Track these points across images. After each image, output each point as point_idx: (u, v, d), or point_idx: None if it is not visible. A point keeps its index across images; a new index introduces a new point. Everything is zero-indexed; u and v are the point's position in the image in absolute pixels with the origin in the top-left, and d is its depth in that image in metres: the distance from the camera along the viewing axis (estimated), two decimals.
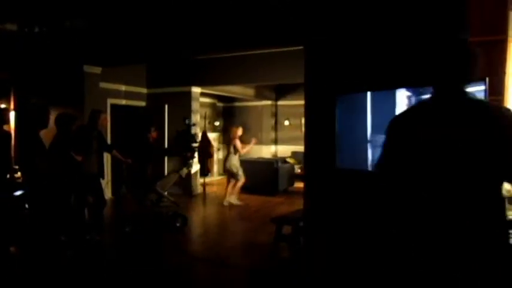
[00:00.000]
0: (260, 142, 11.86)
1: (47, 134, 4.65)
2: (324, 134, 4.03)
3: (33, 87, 6.45)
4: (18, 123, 6.18)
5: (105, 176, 7.08)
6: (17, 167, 4.89)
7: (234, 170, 7.32)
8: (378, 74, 3.65)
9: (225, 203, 7.37)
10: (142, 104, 8.68)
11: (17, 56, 6.20)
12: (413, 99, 3.46)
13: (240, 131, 7.55)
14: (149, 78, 8.76)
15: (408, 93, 3.47)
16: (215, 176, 11.02)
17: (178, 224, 5.66)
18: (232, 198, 7.45)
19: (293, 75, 6.93)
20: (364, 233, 3.75)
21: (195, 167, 8.21)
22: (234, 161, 7.33)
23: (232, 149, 7.39)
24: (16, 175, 4.88)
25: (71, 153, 4.58)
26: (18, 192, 4.64)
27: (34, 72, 6.40)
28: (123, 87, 8.13)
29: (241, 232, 5.58)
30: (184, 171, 6.15)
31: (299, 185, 8.31)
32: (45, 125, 4.50)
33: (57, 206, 4.63)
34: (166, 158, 7.95)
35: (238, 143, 7.33)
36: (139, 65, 8.29)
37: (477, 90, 2.84)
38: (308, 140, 4.27)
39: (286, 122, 11.53)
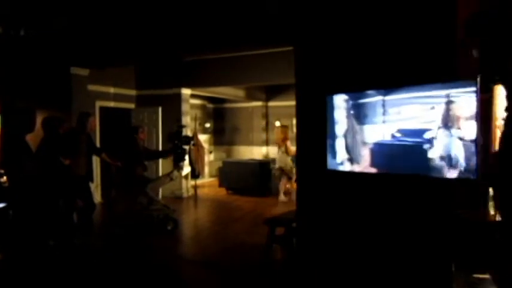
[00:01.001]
0: (251, 143, 11.86)
1: (33, 138, 4.57)
2: (315, 135, 4.03)
3: (19, 90, 6.34)
4: (4, 127, 6.06)
5: (94, 180, 7.00)
6: (2, 171, 4.79)
7: (289, 168, 7.70)
8: (369, 74, 3.67)
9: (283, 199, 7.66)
10: (132, 106, 8.61)
11: (2, 58, 6.09)
12: (350, 103, 3.54)
13: (289, 132, 7.95)
14: (138, 80, 8.69)
15: (345, 97, 3.56)
16: (206, 178, 10.97)
17: (169, 227, 5.61)
18: (282, 196, 7.73)
19: (284, 76, 6.94)
20: (357, 233, 3.76)
21: (186, 169, 8.17)
22: (288, 160, 7.72)
23: (284, 149, 7.77)
24: (2, 179, 4.78)
25: (59, 157, 4.51)
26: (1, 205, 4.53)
27: (20, 75, 6.29)
28: (111, 89, 8.05)
29: (234, 234, 5.56)
30: (176, 173, 6.10)
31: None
32: (31, 128, 4.43)
33: (45, 210, 4.54)
34: (160, 161, 7.88)
35: (289, 144, 7.75)
36: (128, 67, 8.22)
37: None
38: (299, 141, 4.27)
39: (277, 123, 11.52)
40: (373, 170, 3.48)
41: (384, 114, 3.31)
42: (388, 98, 3.31)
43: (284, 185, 7.87)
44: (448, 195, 3.18)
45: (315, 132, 4.04)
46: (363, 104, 3.53)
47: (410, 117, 3.20)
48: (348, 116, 3.61)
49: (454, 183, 3.07)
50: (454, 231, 2.86)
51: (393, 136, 3.29)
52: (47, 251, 4.46)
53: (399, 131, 3.26)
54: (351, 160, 3.63)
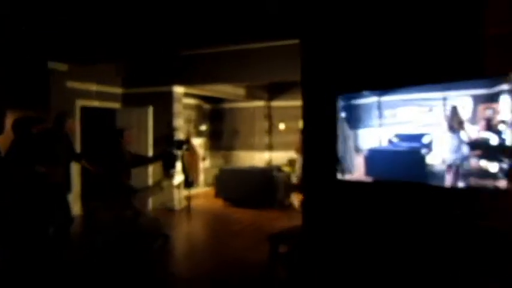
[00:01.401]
0: (252, 148, 11.83)
1: (2, 141, 4.53)
2: (324, 139, 3.99)
3: None
4: None
5: (73, 189, 6.97)
6: None
7: None
8: (386, 70, 3.63)
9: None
10: (117, 105, 8.59)
11: None
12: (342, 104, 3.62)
13: None
14: (125, 77, 8.68)
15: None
16: (201, 188, 10.92)
17: (159, 244, 5.56)
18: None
19: (288, 72, 6.90)
20: (371, 254, 3.70)
21: (178, 177, 8.14)
22: None
23: None
24: None
25: (34, 164, 4.47)
26: None
27: None
28: (94, 87, 8.04)
29: (232, 251, 5.50)
30: (166, 182, 6.07)
31: (296, 197, 8.27)
32: (0, 130, 4.38)
33: (17, 222, 4.50)
34: (150, 168, 7.86)
35: None
36: (112, 62, 8.22)
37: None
38: (306, 145, 4.23)
39: (282, 125, 11.51)
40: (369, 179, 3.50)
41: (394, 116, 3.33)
42: (409, 96, 3.34)
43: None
44: (471, 205, 3.13)
45: (323, 136, 3.99)
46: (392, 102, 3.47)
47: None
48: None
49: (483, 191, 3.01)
50: (483, 244, 2.82)
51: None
52: (21, 265, 4.41)
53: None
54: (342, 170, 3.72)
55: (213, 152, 12.28)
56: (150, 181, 7.80)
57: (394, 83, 3.47)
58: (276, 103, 11.75)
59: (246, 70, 7.79)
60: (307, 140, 4.20)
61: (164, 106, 8.31)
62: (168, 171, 6.07)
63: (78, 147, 7.29)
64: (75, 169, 7.16)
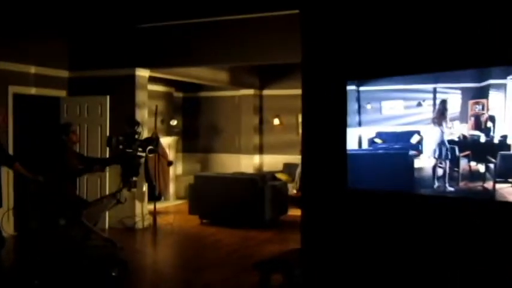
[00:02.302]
0: (237, 150, 11.84)
1: None
2: (330, 138, 4.02)
3: None
4: None
5: (4, 203, 6.90)
6: None
7: None
8: (404, 52, 3.67)
9: None
10: (62, 93, 8.54)
11: None
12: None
13: None
14: (72, 56, 8.63)
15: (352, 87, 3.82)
16: (171, 201, 10.90)
17: (114, 274, 5.54)
18: None
19: (286, 52, 6.94)
20: (388, 283, 3.75)
21: (142, 188, 8.10)
22: None
23: None
24: None
25: None
26: None
27: None
28: (32, 69, 7.98)
29: (210, 285, 5.51)
30: (124, 193, 6.05)
31: (294, 212, 8.30)
32: None
33: None
34: (107, 174, 7.84)
35: None
36: (56, 37, 8.17)
37: None
38: (307, 146, 4.26)
39: (276, 121, 11.54)
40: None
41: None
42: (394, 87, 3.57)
43: None
44: None
45: (329, 134, 4.02)
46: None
47: None
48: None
49: None
50: None
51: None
52: None
53: None
54: None
55: (187, 155, 12.26)
56: (106, 192, 7.77)
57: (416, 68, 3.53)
58: (268, 91, 11.78)
59: (229, 49, 7.79)
60: (307, 138, 4.23)
61: (124, 94, 8.28)
62: (128, 180, 6.04)
63: (10, 148, 7.23)
64: (6, 176, 7.11)
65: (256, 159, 11.72)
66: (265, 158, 11.76)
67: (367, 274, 3.87)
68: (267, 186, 8.48)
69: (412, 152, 3.60)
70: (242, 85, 11.40)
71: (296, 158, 8.61)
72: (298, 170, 8.20)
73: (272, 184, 8.81)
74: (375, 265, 3.83)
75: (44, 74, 8.21)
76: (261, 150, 11.82)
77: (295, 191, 9.77)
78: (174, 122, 11.42)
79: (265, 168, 11.48)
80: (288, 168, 10.85)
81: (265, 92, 11.83)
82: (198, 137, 12.26)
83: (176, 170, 11.51)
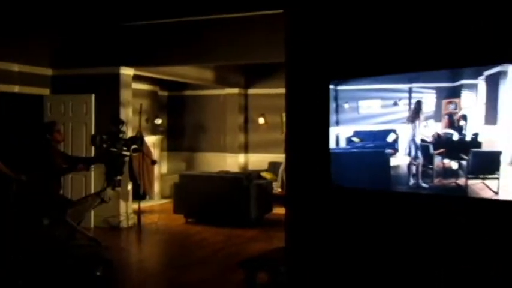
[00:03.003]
0: (223, 149, 11.86)
1: None
2: (314, 137, 4.06)
3: None
4: None
5: None
6: None
7: None
8: (381, 52, 3.74)
9: None
10: (46, 91, 8.49)
11: None
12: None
13: None
14: (56, 54, 8.58)
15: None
16: (156, 200, 10.89)
17: (98, 273, 5.54)
18: None
19: (269, 52, 6.98)
20: (374, 281, 3.80)
21: (126, 186, 8.09)
22: None
23: None
24: None
25: None
26: None
27: None
28: (15, 67, 7.92)
29: (196, 283, 5.54)
30: (109, 192, 6.04)
31: (279, 211, 8.35)
32: None
33: None
34: (92, 173, 7.81)
35: None
36: (39, 35, 8.12)
37: None
38: (290, 145, 4.30)
39: (261, 120, 11.58)
40: None
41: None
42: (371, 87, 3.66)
43: None
44: None
45: (312, 133, 4.07)
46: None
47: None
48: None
49: None
50: None
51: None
52: None
53: None
54: None
55: (172, 154, 12.25)
56: (91, 191, 7.74)
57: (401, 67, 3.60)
58: (254, 90, 11.82)
59: (214, 47, 7.81)
60: (291, 137, 4.27)
61: (108, 93, 8.26)
62: (112, 179, 6.03)
63: None
64: None
65: (241, 158, 11.75)
66: (250, 156, 11.80)
67: (351, 271, 3.93)
68: (252, 184, 8.52)
69: (388, 151, 3.69)
70: (227, 84, 11.42)
71: (281, 157, 8.66)
72: (282, 168, 8.24)
73: (257, 183, 8.85)
74: (358, 262, 3.88)
75: (28, 72, 8.15)
76: (246, 149, 11.85)
77: (279, 190, 9.82)
78: (159, 121, 11.41)
79: (251, 167, 11.52)
80: (273, 167, 10.89)
81: (251, 91, 11.87)
82: (183, 136, 12.26)
83: (161, 169, 11.49)
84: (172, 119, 12.31)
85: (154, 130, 11.41)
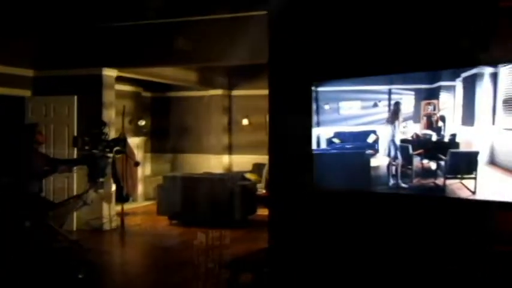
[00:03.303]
0: (207, 150, 11.86)
1: None
2: (296, 138, 4.10)
3: None
4: None
5: None
6: None
7: None
8: (362, 55, 3.80)
9: None
10: (27, 93, 8.43)
11: None
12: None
13: None
14: (38, 55, 8.52)
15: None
16: (139, 202, 10.85)
17: (81, 276, 5.52)
18: None
19: (254, 53, 7.01)
20: (356, 280, 3.85)
21: (109, 188, 8.06)
22: None
23: None
24: None
25: None
26: None
27: None
28: None
29: (180, 284, 5.54)
30: (91, 195, 6.02)
31: (264, 212, 8.38)
32: None
33: None
34: (75, 176, 7.78)
35: None
36: (21, 35, 8.06)
37: None
38: (273, 146, 4.33)
39: (245, 121, 11.60)
40: None
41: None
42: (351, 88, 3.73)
43: None
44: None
45: (295, 134, 4.11)
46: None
47: None
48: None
49: None
50: None
51: None
52: None
53: None
54: None
55: (156, 156, 12.21)
56: (73, 193, 7.70)
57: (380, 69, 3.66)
58: (238, 92, 11.84)
59: (198, 48, 7.82)
60: (274, 138, 4.31)
61: (90, 94, 8.23)
62: (95, 181, 6.01)
63: None
64: None
65: (225, 159, 11.75)
66: (234, 158, 11.81)
67: (333, 270, 3.97)
68: (236, 186, 8.54)
69: (368, 151, 3.75)
70: (211, 85, 11.43)
71: (266, 158, 8.68)
72: (266, 169, 8.27)
73: (241, 184, 8.87)
74: (340, 261, 3.93)
75: (8, 73, 8.08)
76: (230, 150, 11.86)
77: (264, 191, 9.85)
78: (142, 122, 11.37)
79: (235, 168, 11.53)
80: (257, 168, 10.91)
81: (235, 92, 11.88)
82: (167, 137, 12.22)
83: (145, 170, 11.45)
84: (156, 121, 12.28)
85: (137, 132, 11.37)
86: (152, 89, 12.00)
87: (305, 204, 4.13)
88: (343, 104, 3.87)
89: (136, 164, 9.24)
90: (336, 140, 3.90)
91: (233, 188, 8.47)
